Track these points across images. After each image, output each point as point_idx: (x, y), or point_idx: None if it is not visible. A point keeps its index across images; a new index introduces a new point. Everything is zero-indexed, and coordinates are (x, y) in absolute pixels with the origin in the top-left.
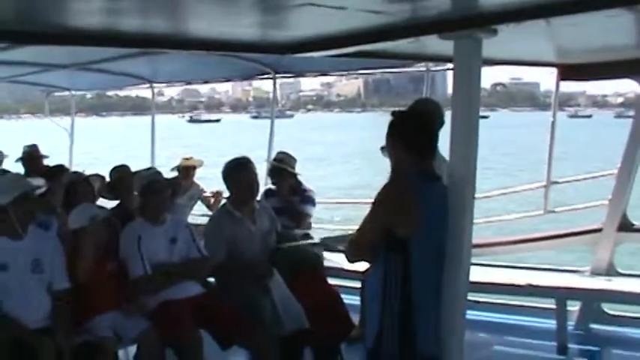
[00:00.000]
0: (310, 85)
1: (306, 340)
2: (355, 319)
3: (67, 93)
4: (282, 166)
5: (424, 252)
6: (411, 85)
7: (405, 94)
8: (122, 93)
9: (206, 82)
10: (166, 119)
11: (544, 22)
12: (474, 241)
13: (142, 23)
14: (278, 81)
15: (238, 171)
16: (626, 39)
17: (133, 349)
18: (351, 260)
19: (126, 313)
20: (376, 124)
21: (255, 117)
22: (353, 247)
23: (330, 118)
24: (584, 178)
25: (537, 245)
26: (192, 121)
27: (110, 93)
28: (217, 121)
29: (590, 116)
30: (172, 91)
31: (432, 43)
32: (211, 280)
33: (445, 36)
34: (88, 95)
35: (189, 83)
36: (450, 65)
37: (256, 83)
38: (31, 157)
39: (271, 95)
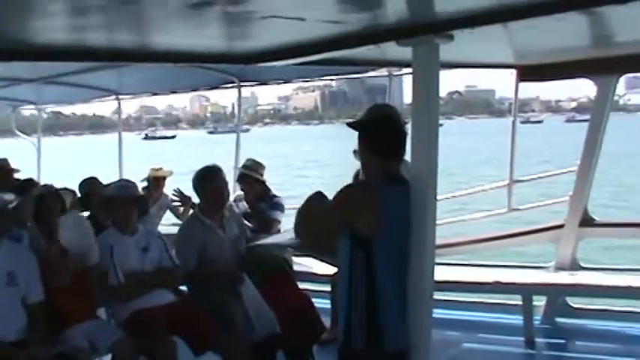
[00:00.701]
0: (267, 99)
1: (278, 344)
2: (326, 322)
3: (32, 107)
4: (250, 173)
5: (387, 251)
6: (366, 96)
7: (361, 105)
8: (79, 112)
9: (172, 92)
10: (124, 137)
11: (501, 26)
12: (439, 241)
13: (107, 37)
14: (235, 96)
15: (208, 179)
16: (581, 40)
17: (107, 359)
18: (297, 231)
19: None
20: (333, 136)
21: (211, 132)
22: (305, 222)
23: (287, 131)
24: (546, 176)
25: (502, 243)
26: (147, 138)
27: (67, 112)
28: (173, 137)
29: (541, 121)
30: (130, 109)
31: (392, 50)
32: (183, 287)
33: (403, 42)
34: (44, 115)
35: (155, 94)
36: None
37: (213, 98)
38: (2, 170)
39: (228, 110)
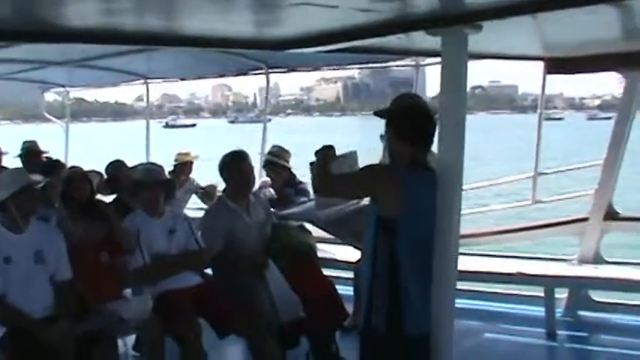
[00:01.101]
0: (290, 90)
1: (301, 328)
2: (349, 308)
3: (61, 89)
4: (277, 160)
5: (411, 236)
6: (390, 89)
7: (384, 98)
8: (102, 99)
9: (200, 77)
10: (143, 124)
11: (530, 17)
12: (463, 231)
13: (137, 21)
14: (257, 86)
15: (234, 164)
16: (612, 32)
17: (131, 339)
18: (315, 186)
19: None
20: (355, 128)
21: (232, 122)
22: (327, 180)
23: (308, 122)
24: (571, 169)
25: (526, 235)
26: (167, 126)
27: (90, 99)
28: (193, 125)
29: (561, 119)
30: (152, 97)
31: (421, 39)
32: (208, 271)
33: (432, 32)
34: (67, 101)
35: (183, 79)
36: (439, 59)
37: (236, 88)
38: (30, 152)
39: (250, 100)
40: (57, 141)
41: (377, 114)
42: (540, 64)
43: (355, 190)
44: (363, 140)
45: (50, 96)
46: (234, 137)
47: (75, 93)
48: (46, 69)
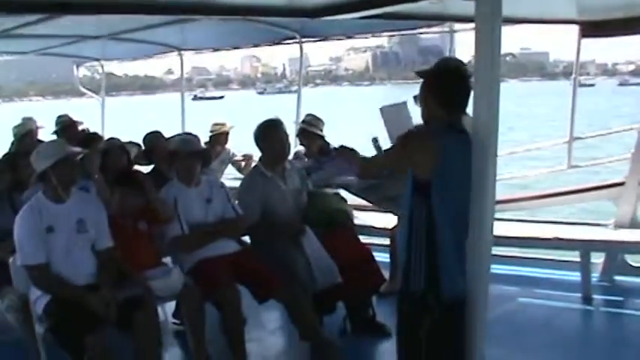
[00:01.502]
0: (319, 60)
1: (338, 294)
2: (385, 274)
3: (96, 63)
4: (311, 129)
5: (447, 197)
6: (419, 57)
7: (414, 66)
8: (131, 73)
9: (235, 47)
10: (173, 97)
11: None
12: (499, 197)
13: None
14: (287, 56)
15: (270, 132)
16: None
17: (170, 306)
18: (361, 174)
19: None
20: (384, 98)
21: (260, 93)
22: (370, 166)
23: (337, 92)
24: (607, 133)
25: (561, 200)
26: (196, 98)
27: (119, 73)
28: (221, 97)
29: (593, 85)
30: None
31: (454, 4)
32: (245, 238)
33: None
34: (97, 76)
35: (217, 50)
36: (472, 25)
37: (264, 59)
38: (66, 126)
39: (279, 71)
40: (88, 116)
41: (418, 73)
42: (574, 29)
43: (398, 163)
44: None
45: (81, 71)
46: (262, 108)
47: (106, 67)
48: (81, 43)
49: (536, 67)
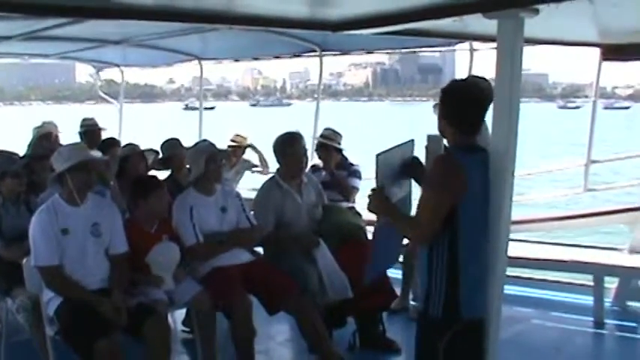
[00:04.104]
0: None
1: (349, 308)
2: (397, 291)
3: (115, 69)
4: (329, 142)
5: (470, 220)
6: (418, 75)
7: (413, 83)
8: (132, 81)
9: (254, 58)
10: (167, 106)
11: (587, 1)
12: (513, 217)
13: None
14: (288, 71)
15: (288, 144)
16: None
17: (180, 314)
18: (421, 242)
19: (177, 278)
20: (382, 114)
21: (253, 105)
22: (425, 229)
23: (333, 107)
24: (625, 157)
25: (576, 223)
26: (187, 108)
27: (120, 80)
28: (212, 108)
29: (578, 107)
30: (183, 79)
31: (476, 23)
32: (259, 249)
33: (489, 15)
34: (99, 83)
35: (236, 60)
36: (492, 45)
37: (265, 72)
38: (90, 130)
39: (279, 84)
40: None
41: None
42: (575, 51)
43: (445, 208)
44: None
45: (83, 77)
46: (248, 120)
47: (105, 74)
48: (102, 48)
49: (535, 89)
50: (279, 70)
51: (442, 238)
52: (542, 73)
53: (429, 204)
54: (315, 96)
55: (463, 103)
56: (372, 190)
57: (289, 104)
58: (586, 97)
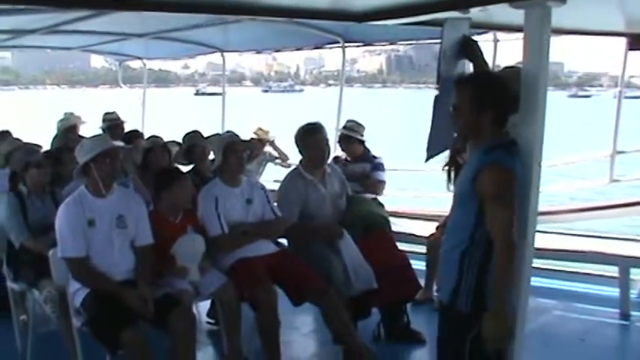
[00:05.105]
0: (335, 61)
1: (374, 299)
2: (421, 282)
3: (138, 61)
4: (351, 134)
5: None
6: (433, 61)
7: (427, 70)
8: (147, 66)
9: (277, 50)
10: (180, 92)
11: None
12: (539, 208)
13: None
14: (303, 56)
15: (311, 135)
16: None
17: (204, 305)
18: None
19: (202, 270)
20: (396, 101)
21: (265, 91)
22: (509, 252)
23: (347, 94)
24: None
25: (602, 214)
26: (197, 94)
27: (135, 66)
28: (221, 94)
29: (589, 96)
30: (198, 65)
31: (501, 13)
32: (283, 240)
33: (516, 5)
34: (114, 68)
35: (259, 52)
36: (517, 35)
37: (280, 59)
38: (113, 124)
39: (293, 70)
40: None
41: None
42: (590, 41)
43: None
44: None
45: (98, 63)
46: (261, 106)
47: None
48: (125, 41)
49: (550, 77)
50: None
51: (480, 236)
52: (557, 61)
53: (503, 222)
54: (330, 82)
55: (515, 99)
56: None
57: (301, 90)
58: (601, 86)
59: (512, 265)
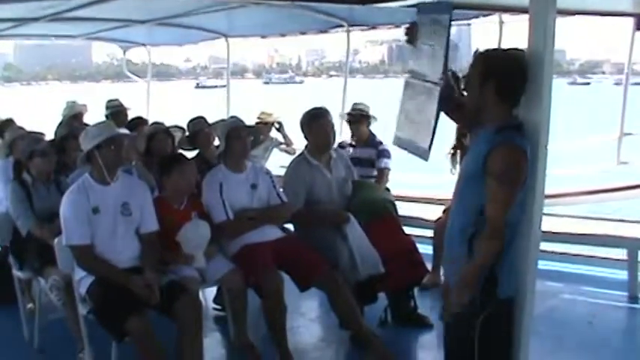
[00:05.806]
0: (337, 52)
1: (380, 284)
2: (428, 266)
3: (142, 48)
4: (357, 112)
5: (519, 204)
6: None
7: None
8: (148, 60)
9: (281, 35)
10: (181, 85)
11: None
12: (546, 191)
13: None
14: (304, 48)
15: (316, 120)
16: None
17: (211, 291)
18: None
19: (208, 256)
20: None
21: (266, 83)
22: (498, 232)
23: (351, 84)
24: None
25: (609, 196)
26: (198, 87)
27: (137, 60)
28: (223, 86)
29: (588, 83)
30: (200, 59)
31: None
32: (289, 226)
33: None
34: (115, 62)
35: (263, 37)
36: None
37: (282, 50)
38: (116, 111)
39: (294, 62)
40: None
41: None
42: (592, 27)
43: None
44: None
45: (99, 58)
46: (260, 97)
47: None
48: (128, 28)
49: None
50: (295, 48)
51: None
52: (559, 49)
53: (502, 202)
54: (331, 73)
55: (521, 75)
56: None
57: (302, 82)
58: (603, 72)
59: (494, 249)
